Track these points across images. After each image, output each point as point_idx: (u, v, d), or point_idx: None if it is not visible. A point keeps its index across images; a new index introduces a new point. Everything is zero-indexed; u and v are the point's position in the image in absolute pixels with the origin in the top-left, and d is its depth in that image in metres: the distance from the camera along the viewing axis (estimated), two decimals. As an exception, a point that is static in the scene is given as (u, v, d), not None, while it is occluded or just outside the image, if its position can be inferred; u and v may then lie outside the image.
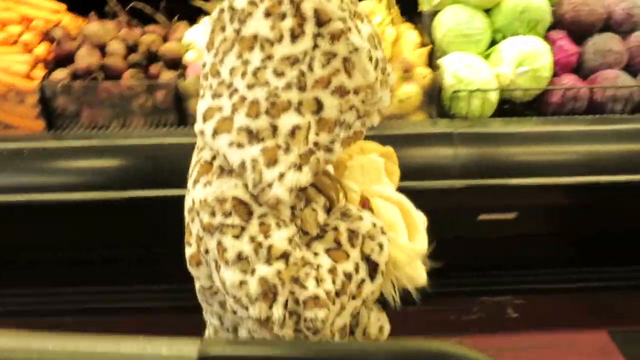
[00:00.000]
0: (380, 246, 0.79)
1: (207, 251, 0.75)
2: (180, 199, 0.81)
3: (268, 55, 0.69)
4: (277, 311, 0.70)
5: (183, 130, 1.65)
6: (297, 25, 0.69)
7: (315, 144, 0.71)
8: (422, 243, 0.87)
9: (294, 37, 0.69)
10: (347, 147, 0.77)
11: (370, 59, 0.72)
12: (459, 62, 1.68)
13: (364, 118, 0.76)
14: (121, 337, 0.55)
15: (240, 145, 0.70)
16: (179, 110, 1.67)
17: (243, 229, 0.71)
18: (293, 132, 0.69)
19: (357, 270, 0.77)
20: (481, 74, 1.66)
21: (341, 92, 0.71)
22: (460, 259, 1.38)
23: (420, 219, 0.90)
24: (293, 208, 0.76)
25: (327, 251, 0.77)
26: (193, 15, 1.85)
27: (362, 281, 0.77)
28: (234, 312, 0.75)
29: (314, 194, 0.81)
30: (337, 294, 0.74)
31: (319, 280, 0.73)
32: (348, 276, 0.75)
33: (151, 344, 0.54)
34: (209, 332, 0.90)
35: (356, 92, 0.72)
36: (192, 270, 0.81)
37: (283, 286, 0.71)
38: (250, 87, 0.70)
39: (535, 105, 1.78)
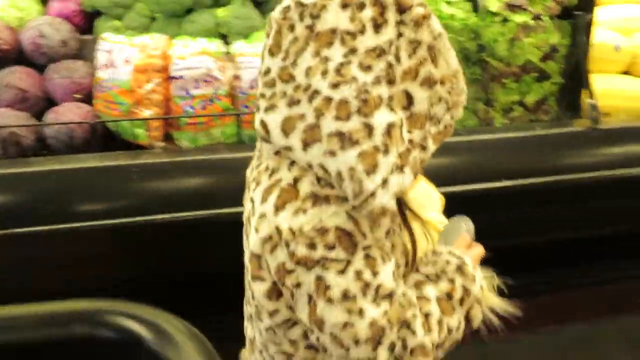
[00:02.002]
0: (482, 313, 0.76)
1: (297, 285, 0.66)
2: None
3: (351, 48, 0.62)
4: (383, 354, 0.65)
5: None
6: (378, 14, 0.62)
7: (410, 141, 0.64)
8: None
9: (377, 26, 0.62)
10: (439, 143, 0.70)
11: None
12: None
13: (452, 110, 0.70)
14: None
15: (332, 154, 0.61)
16: None
17: (349, 263, 0.64)
18: (389, 131, 0.61)
19: (458, 328, 0.73)
20: None
21: (430, 83, 0.66)
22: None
23: None
24: (388, 233, 0.68)
25: (438, 300, 0.72)
26: None
27: (457, 340, 0.74)
28: (324, 350, 0.69)
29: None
30: (438, 346, 0.70)
31: (426, 329, 0.69)
32: (449, 331, 0.72)
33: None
34: None
35: (442, 82, 0.67)
36: (267, 304, 0.71)
37: (391, 329, 0.65)
38: (334, 86, 0.62)
39: None
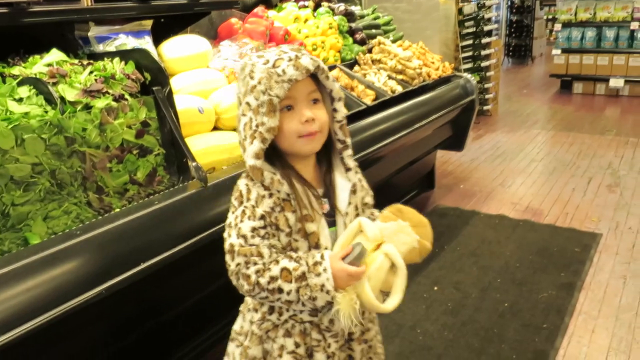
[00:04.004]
0: (313, 298, 1.12)
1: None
2: None
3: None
4: (232, 266, 1.14)
5: None
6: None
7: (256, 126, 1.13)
8: (390, 304, 1.17)
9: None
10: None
11: None
12: None
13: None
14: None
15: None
16: None
17: (235, 209, 1.17)
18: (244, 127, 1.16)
19: (289, 293, 1.12)
20: None
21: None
22: None
23: (403, 285, 1.17)
24: (272, 210, 1.15)
25: (283, 269, 1.12)
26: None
27: (290, 301, 1.13)
28: None
29: (291, 206, 1.17)
30: (267, 290, 1.12)
31: (259, 273, 1.12)
32: (280, 290, 1.12)
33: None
34: None
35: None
36: None
37: (238, 255, 1.13)
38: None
39: None
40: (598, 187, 4.23)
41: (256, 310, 1.26)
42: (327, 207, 1.23)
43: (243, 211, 1.14)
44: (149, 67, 1.94)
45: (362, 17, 3.82)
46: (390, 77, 3.21)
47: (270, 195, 1.16)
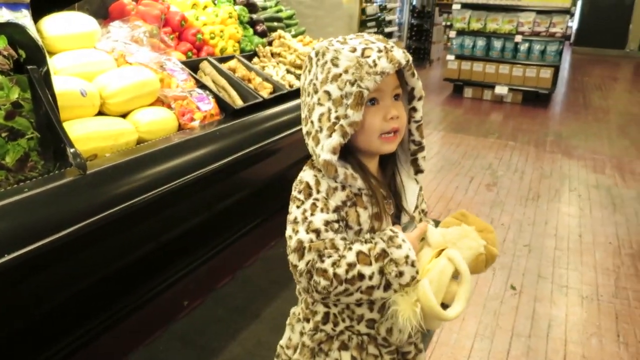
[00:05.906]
0: (400, 273, 1.02)
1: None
2: None
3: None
4: (301, 265, 1.03)
5: None
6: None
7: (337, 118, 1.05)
8: (452, 311, 1.05)
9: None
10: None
11: None
12: None
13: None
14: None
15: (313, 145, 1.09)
16: None
17: (302, 203, 1.07)
18: (320, 119, 1.07)
19: (371, 277, 1.02)
20: None
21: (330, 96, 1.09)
22: None
23: (467, 293, 1.05)
24: (344, 204, 1.07)
25: (358, 252, 1.02)
26: None
27: (372, 287, 1.02)
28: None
29: (363, 202, 1.09)
30: (346, 280, 1.01)
31: (335, 264, 1.01)
32: (361, 276, 1.01)
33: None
34: None
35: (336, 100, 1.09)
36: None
37: (309, 252, 1.02)
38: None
39: None
40: (478, 185, 4.58)
41: (307, 320, 1.19)
42: (392, 208, 1.17)
43: (313, 204, 1.06)
44: (24, 44, 1.80)
45: (264, 8, 3.80)
46: (289, 72, 3.24)
47: (343, 187, 1.08)
